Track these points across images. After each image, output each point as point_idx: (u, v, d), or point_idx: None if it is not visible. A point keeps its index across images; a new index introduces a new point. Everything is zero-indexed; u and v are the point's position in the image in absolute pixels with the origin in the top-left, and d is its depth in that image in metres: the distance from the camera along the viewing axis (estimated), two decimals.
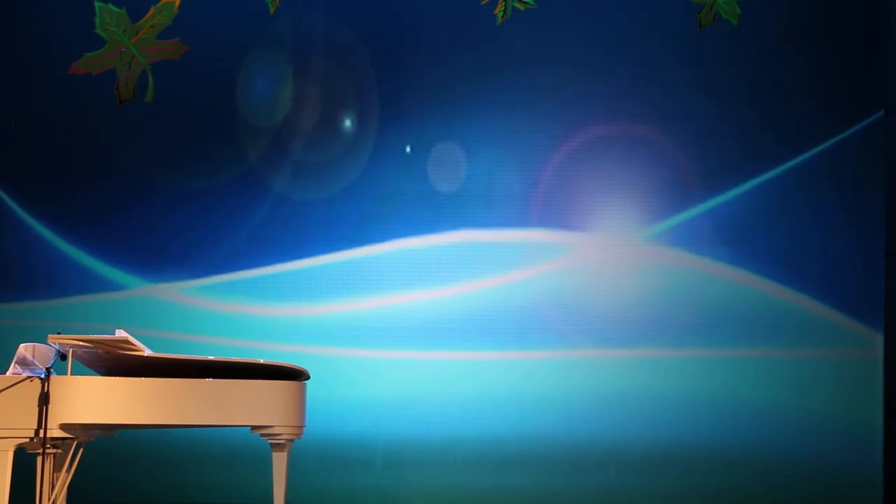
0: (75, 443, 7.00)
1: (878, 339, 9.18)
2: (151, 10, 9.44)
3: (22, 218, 9.42)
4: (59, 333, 6.86)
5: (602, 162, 9.37)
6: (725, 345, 9.23)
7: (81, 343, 6.86)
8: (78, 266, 9.38)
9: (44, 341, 6.83)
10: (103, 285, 9.38)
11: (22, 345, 6.91)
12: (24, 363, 6.85)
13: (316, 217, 9.38)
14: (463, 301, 9.31)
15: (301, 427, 7.16)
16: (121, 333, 6.92)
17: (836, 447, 9.09)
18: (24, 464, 6.88)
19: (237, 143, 9.43)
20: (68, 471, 7.11)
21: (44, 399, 6.60)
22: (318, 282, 9.35)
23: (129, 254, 9.37)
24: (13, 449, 6.64)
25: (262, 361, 7.15)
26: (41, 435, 6.59)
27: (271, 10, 9.40)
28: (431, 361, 9.26)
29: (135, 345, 6.88)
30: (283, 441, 7.10)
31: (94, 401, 6.71)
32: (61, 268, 9.37)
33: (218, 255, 9.34)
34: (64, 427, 6.70)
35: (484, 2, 9.40)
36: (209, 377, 6.95)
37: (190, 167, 9.41)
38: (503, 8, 9.38)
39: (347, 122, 9.43)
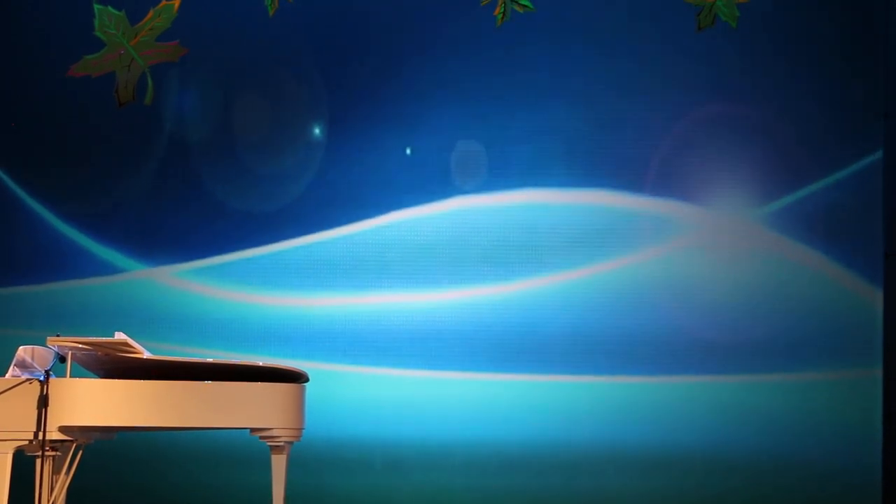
0: (74, 445, 7.00)
1: (878, 340, 9.19)
2: (150, 13, 9.44)
3: (30, 206, 9.45)
4: (58, 336, 6.86)
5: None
6: (723, 347, 9.25)
7: (80, 345, 6.86)
8: (79, 250, 9.40)
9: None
10: (101, 269, 9.39)
11: (21, 347, 6.90)
12: (23, 365, 6.85)
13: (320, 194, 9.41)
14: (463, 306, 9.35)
15: (300, 429, 7.16)
16: (120, 336, 6.93)
17: (835, 449, 9.09)
18: (23, 466, 6.88)
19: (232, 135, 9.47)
20: (67, 473, 7.11)
21: (43, 401, 6.60)
22: (322, 265, 9.35)
23: (127, 238, 9.39)
24: (12, 451, 6.64)
25: (261, 363, 7.15)
26: (40, 437, 6.59)
27: (270, 13, 9.40)
28: (434, 363, 9.29)
29: (134, 347, 6.88)
30: (282, 443, 7.10)
31: (93, 403, 6.71)
32: (60, 252, 9.41)
33: (213, 239, 9.35)
34: (63, 429, 6.70)
35: (484, 2, 9.41)
36: (208, 379, 6.95)
37: (188, 158, 9.45)
38: (502, 10, 9.38)
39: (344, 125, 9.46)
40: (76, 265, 9.40)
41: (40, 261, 9.41)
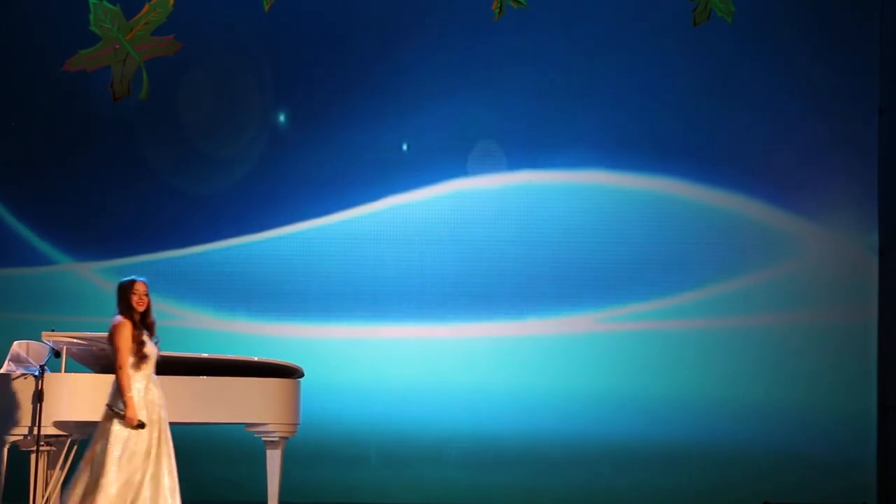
0: (69, 440, 7.00)
1: (872, 336, 9.22)
2: (146, 7, 9.42)
3: None
4: (53, 331, 6.86)
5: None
6: (716, 341, 9.27)
7: (75, 340, 6.86)
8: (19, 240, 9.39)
9: None
10: (35, 259, 9.38)
11: (16, 342, 6.91)
12: (18, 360, 6.85)
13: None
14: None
15: (295, 425, 7.17)
16: None
17: (831, 443, 9.11)
18: (18, 461, 6.89)
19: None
20: (62, 468, 7.10)
21: (38, 396, 6.60)
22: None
23: (64, 232, 9.35)
24: (7, 446, 6.65)
25: (256, 359, 7.15)
26: (35, 432, 6.60)
27: (266, 7, 9.39)
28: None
29: None
30: (276, 438, 7.11)
31: (88, 398, 6.71)
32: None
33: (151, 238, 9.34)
34: (58, 424, 6.70)
35: None
36: (203, 374, 6.95)
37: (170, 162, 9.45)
38: (499, 4, 9.38)
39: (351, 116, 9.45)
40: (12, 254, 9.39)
41: None
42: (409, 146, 9.41)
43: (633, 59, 9.37)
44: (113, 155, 9.39)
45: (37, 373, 6.64)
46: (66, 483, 6.19)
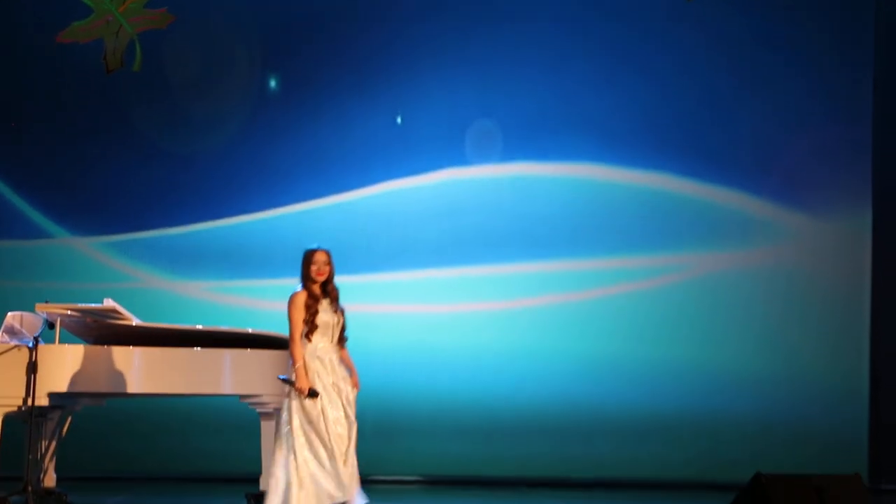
0: (63, 411, 7.01)
1: (865, 307, 9.26)
2: None
3: None
4: (46, 302, 6.86)
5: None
6: (712, 312, 9.30)
7: (69, 312, 6.86)
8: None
9: None
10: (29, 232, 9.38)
11: (10, 313, 6.92)
12: (11, 332, 6.86)
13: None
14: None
15: None
16: (109, 303, 6.93)
17: (825, 414, 9.15)
18: (12, 432, 6.89)
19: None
20: (56, 439, 7.12)
21: (32, 368, 6.61)
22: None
23: (61, 205, 9.35)
24: (1, 417, 6.66)
25: (249, 331, 7.15)
26: (29, 403, 6.61)
27: None
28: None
29: (123, 314, 6.88)
30: (270, 410, 7.11)
31: (82, 370, 6.73)
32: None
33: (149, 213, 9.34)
34: (52, 395, 6.71)
35: None
36: (197, 346, 6.96)
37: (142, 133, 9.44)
38: None
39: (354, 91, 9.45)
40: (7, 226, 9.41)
41: None
42: (402, 120, 9.41)
43: (630, 41, 9.39)
44: (105, 128, 9.38)
45: (31, 344, 6.65)
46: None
